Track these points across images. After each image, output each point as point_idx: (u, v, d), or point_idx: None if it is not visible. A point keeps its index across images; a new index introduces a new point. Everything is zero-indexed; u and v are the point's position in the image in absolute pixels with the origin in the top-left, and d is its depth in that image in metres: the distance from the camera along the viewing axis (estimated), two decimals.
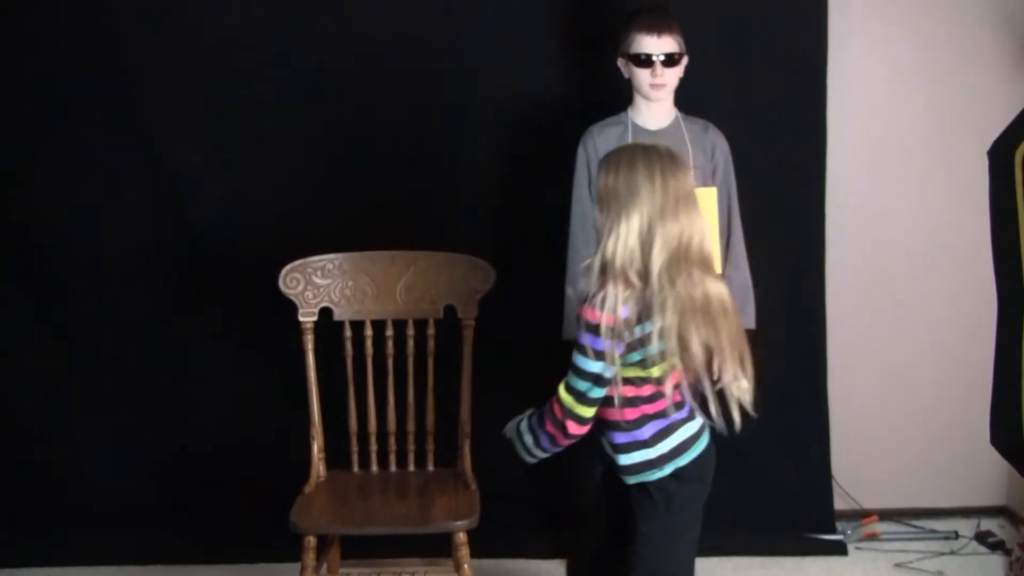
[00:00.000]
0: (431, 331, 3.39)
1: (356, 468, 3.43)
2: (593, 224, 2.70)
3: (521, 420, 2.81)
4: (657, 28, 3.29)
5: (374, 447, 3.43)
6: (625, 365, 2.58)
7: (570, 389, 2.64)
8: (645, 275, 2.52)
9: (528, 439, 2.76)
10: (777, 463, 3.97)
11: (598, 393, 2.62)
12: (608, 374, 2.58)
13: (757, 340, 3.22)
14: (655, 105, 3.37)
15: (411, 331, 3.40)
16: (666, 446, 2.70)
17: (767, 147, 3.77)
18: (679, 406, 2.69)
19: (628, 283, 2.53)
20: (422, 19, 3.75)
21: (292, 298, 3.37)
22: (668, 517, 2.71)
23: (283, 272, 3.35)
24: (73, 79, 3.77)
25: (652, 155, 2.56)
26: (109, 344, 3.92)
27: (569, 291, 3.33)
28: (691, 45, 3.38)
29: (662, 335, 2.52)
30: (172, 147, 3.82)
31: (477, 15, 3.73)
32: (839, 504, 4.04)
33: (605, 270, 2.55)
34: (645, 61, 3.30)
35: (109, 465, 3.97)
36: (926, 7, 3.89)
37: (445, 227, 3.74)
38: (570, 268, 3.38)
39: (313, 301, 3.38)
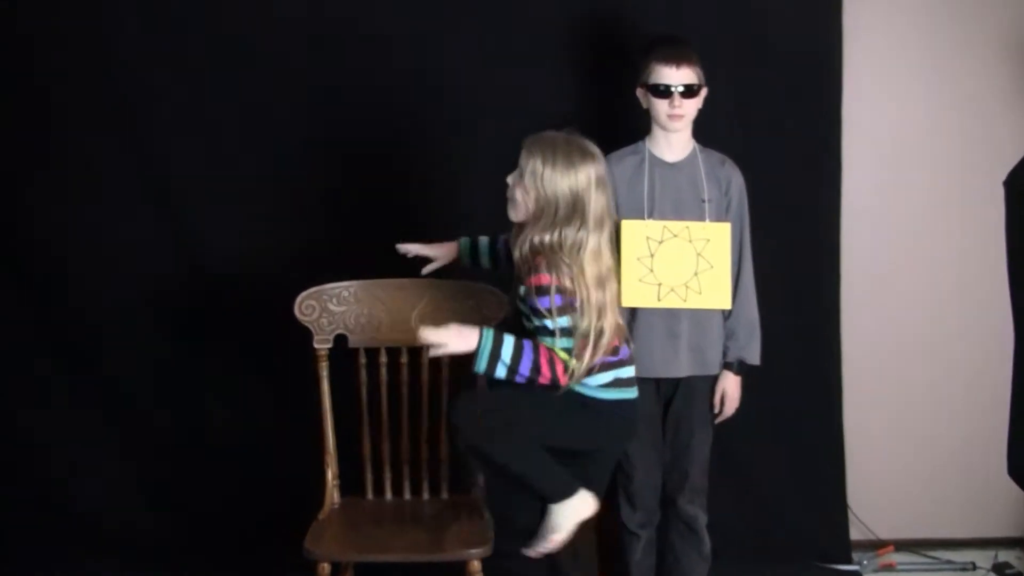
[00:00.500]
0: (445, 359, 3.37)
1: (370, 495, 3.43)
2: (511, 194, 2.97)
3: (505, 336, 2.93)
4: (676, 59, 3.30)
5: (388, 474, 3.43)
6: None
7: (563, 349, 2.94)
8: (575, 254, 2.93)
9: (508, 354, 2.91)
10: (792, 493, 3.96)
11: (571, 343, 2.95)
12: (571, 323, 2.92)
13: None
14: (673, 136, 3.38)
15: (425, 358, 3.40)
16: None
17: (782, 180, 3.79)
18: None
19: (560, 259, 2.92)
20: (437, 52, 3.77)
21: (307, 325, 3.37)
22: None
23: (299, 299, 3.36)
24: (76, 103, 3.81)
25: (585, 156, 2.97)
26: (122, 373, 3.93)
27: None
28: (707, 77, 3.39)
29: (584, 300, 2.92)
30: (181, 175, 3.84)
31: (492, 45, 3.76)
32: (855, 534, 4.04)
33: (543, 249, 2.93)
34: (664, 92, 3.31)
35: (122, 492, 3.97)
36: (941, 34, 3.91)
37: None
38: None
39: (328, 328, 3.38)
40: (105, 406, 3.94)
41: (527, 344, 2.95)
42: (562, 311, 2.92)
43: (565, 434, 3.06)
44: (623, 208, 3.35)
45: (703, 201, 3.35)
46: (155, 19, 3.77)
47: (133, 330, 3.91)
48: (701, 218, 3.34)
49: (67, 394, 3.93)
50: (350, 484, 3.42)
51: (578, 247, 2.95)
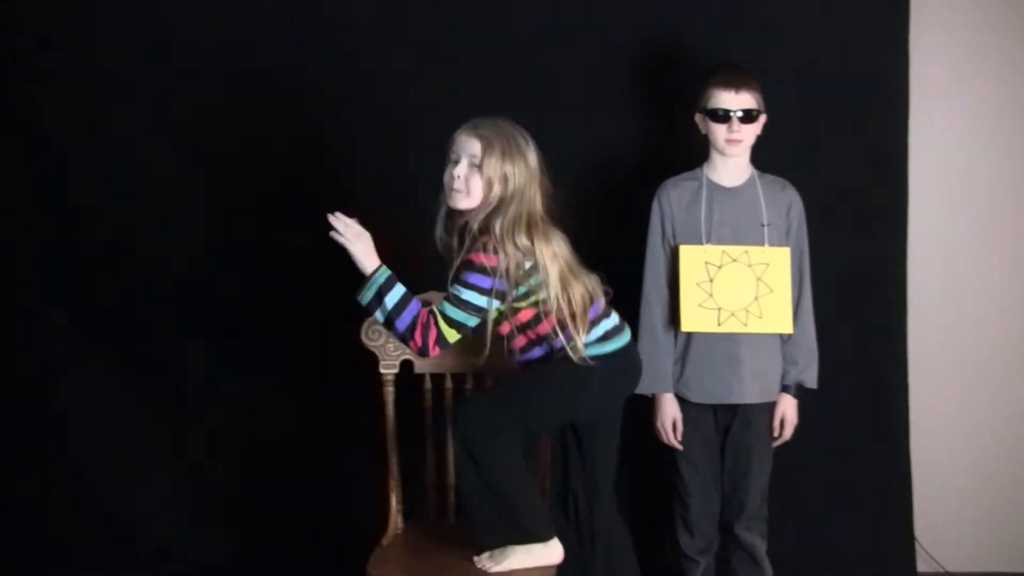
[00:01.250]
0: None
1: (432, 520, 3.44)
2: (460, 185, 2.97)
3: (398, 285, 2.97)
4: (735, 84, 3.33)
5: (451, 499, 3.45)
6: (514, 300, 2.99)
7: (447, 318, 2.98)
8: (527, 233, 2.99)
9: (392, 302, 2.96)
10: (856, 523, 3.91)
11: (473, 322, 3.00)
12: (488, 305, 2.97)
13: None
14: (731, 161, 3.40)
15: (490, 384, 3.42)
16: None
17: (847, 208, 3.79)
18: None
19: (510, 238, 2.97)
20: (493, 75, 3.78)
21: (373, 350, 3.41)
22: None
23: (364, 325, 3.40)
24: (143, 110, 3.90)
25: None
26: (186, 398, 3.99)
27: (644, 344, 3.39)
28: (771, 106, 3.42)
29: (543, 275, 2.98)
30: (245, 197, 3.91)
31: (548, 68, 3.79)
32: (922, 566, 3.98)
33: (488, 229, 2.98)
34: (722, 116, 3.34)
35: (178, 515, 4.02)
36: (1010, 72, 3.90)
37: None
38: (644, 321, 3.43)
39: (394, 354, 3.41)
40: (159, 421, 4.00)
41: (414, 303, 2.98)
42: (480, 291, 2.96)
43: (567, 409, 3.09)
44: (680, 234, 3.39)
45: (763, 225, 3.37)
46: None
47: (193, 356, 3.97)
48: (761, 242, 3.36)
49: (115, 408, 4.00)
50: (412, 509, 3.43)
51: (531, 226, 2.99)
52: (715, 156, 3.42)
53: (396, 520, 3.39)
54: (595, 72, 3.78)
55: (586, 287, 3.04)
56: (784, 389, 3.42)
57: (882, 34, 3.76)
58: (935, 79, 3.86)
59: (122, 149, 3.92)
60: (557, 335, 3.00)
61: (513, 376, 3.12)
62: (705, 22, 3.76)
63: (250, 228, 3.93)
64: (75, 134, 3.91)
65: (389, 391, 3.41)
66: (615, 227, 3.71)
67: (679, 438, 3.44)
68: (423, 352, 2.99)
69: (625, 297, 3.49)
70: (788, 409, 3.42)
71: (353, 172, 3.86)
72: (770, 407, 3.42)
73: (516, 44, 3.76)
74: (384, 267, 2.98)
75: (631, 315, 3.44)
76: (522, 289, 3.00)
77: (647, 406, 3.47)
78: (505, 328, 3.05)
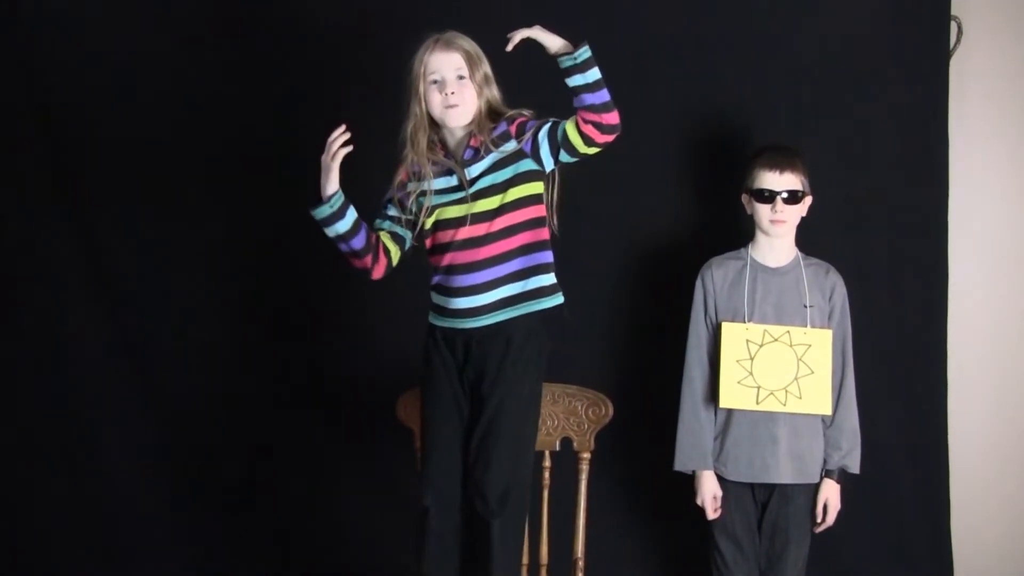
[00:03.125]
0: (547, 463, 3.39)
1: None
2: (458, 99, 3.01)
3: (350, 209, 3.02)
4: (780, 165, 3.37)
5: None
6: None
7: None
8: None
9: (344, 226, 3.01)
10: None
11: (379, 223, 3.11)
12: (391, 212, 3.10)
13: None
14: (776, 242, 3.43)
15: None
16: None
17: (887, 284, 3.78)
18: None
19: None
20: None
21: (410, 427, 3.41)
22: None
23: (400, 401, 3.39)
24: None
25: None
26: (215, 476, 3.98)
27: (685, 419, 3.40)
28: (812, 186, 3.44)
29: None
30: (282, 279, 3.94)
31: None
32: None
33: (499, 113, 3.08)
34: (767, 197, 3.38)
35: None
36: None
37: (562, 358, 3.75)
38: (685, 397, 3.43)
39: None
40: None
41: (363, 227, 3.04)
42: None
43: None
44: (723, 311, 3.41)
45: (805, 307, 3.38)
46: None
47: (231, 429, 3.96)
48: (803, 324, 3.36)
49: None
50: None
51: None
52: (760, 236, 3.45)
53: None
54: (642, 148, 3.78)
55: None
56: (827, 474, 3.41)
57: (922, 114, 3.77)
58: (974, 157, 3.86)
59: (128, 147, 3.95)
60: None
61: (499, 412, 3.06)
62: (756, 102, 3.78)
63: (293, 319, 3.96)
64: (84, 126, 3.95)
65: None
66: (659, 303, 3.72)
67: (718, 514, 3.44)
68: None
69: (668, 373, 3.53)
70: (831, 494, 3.40)
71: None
72: (809, 488, 3.40)
73: (560, 116, 3.78)
74: (340, 194, 3.00)
75: (673, 391, 3.47)
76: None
77: (686, 481, 3.46)
78: (529, 213, 3.07)
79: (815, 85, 3.76)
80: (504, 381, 3.06)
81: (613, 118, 2.97)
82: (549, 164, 3.07)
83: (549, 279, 3.10)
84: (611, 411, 3.40)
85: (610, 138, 3.00)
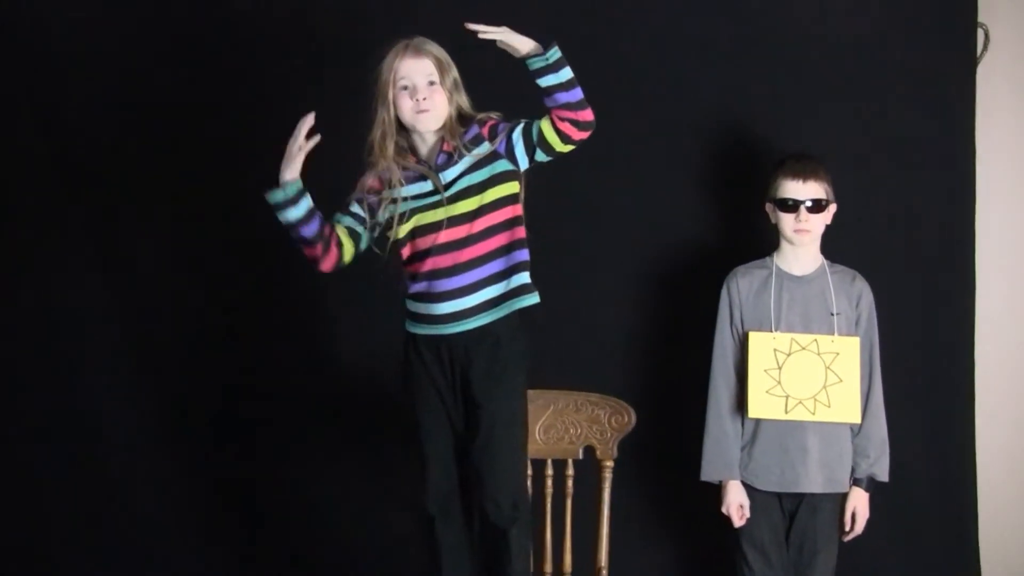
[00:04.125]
0: (569, 472, 3.38)
1: None
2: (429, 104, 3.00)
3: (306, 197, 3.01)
4: (803, 174, 3.37)
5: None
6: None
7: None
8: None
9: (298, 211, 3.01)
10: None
11: (339, 216, 3.08)
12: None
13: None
14: (800, 250, 3.42)
15: (550, 471, 3.40)
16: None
17: (914, 291, 3.77)
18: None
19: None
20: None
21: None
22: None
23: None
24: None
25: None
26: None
27: (711, 429, 3.39)
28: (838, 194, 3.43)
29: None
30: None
31: (618, 152, 3.77)
32: None
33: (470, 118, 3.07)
34: (791, 206, 3.37)
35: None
36: None
37: (585, 366, 3.75)
38: (711, 407, 3.42)
39: None
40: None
41: (317, 218, 3.02)
42: None
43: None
44: (749, 321, 3.40)
45: (832, 314, 3.37)
46: None
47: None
48: (830, 332, 3.36)
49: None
50: None
51: None
52: (784, 245, 3.44)
53: None
54: (666, 159, 3.79)
55: None
56: (855, 483, 3.40)
57: (949, 122, 3.76)
58: (1001, 166, 3.86)
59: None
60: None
61: (492, 420, 3.03)
62: (781, 112, 3.77)
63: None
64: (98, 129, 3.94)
65: None
66: (685, 313, 3.71)
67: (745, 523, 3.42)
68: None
69: (692, 382, 3.51)
70: (859, 503, 3.39)
71: None
72: (836, 497, 3.40)
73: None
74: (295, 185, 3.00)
75: (699, 401, 3.45)
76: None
77: (711, 490, 3.44)
78: (507, 213, 3.04)
79: (841, 94, 3.75)
80: (496, 385, 3.04)
81: (588, 115, 2.96)
82: (524, 163, 3.05)
83: (527, 277, 3.07)
84: (634, 419, 3.40)
85: (586, 135, 2.99)
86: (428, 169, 3.04)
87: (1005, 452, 3.90)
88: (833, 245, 3.47)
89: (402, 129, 3.06)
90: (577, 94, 2.95)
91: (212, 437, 3.92)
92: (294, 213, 2.99)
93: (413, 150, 3.08)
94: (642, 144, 3.79)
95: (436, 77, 3.01)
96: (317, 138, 2.97)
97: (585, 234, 3.81)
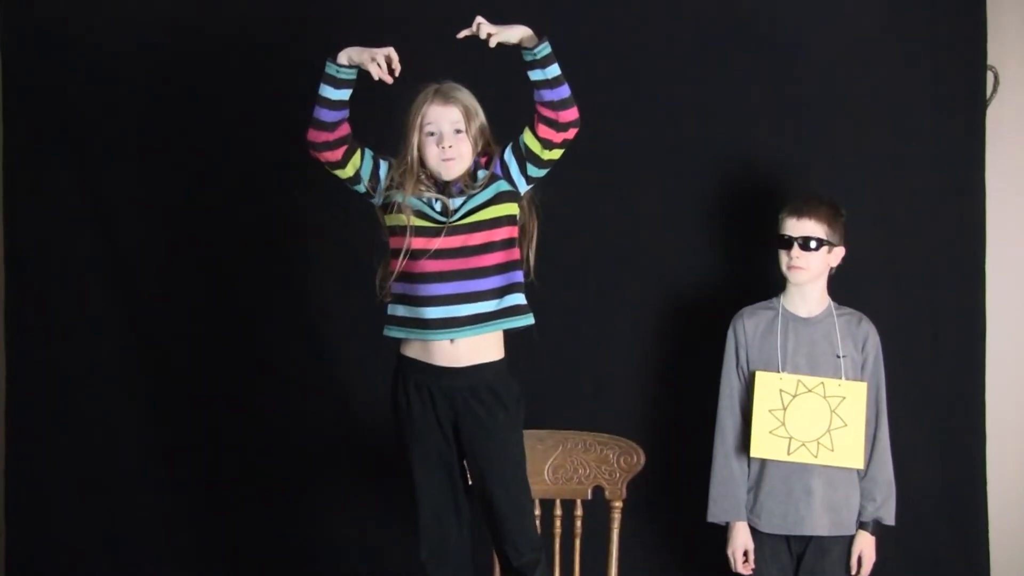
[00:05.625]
0: (578, 512, 3.40)
1: None
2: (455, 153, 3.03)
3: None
4: (800, 211, 3.36)
5: None
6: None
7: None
8: None
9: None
10: None
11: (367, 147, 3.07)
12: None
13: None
14: (806, 291, 3.41)
15: (558, 511, 3.41)
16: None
17: (924, 333, 3.76)
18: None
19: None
20: (572, 195, 3.72)
21: None
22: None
23: None
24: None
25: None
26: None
27: (717, 470, 3.40)
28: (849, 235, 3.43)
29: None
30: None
31: (627, 191, 3.82)
32: None
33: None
34: (785, 242, 3.37)
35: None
36: None
37: (595, 406, 3.77)
38: (717, 448, 3.43)
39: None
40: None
41: (344, 115, 3.01)
42: None
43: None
44: (755, 361, 3.40)
45: (838, 357, 3.36)
46: None
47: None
48: (836, 374, 3.35)
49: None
50: None
51: None
52: (790, 286, 3.43)
53: None
54: (676, 196, 3.81)
55: None
56: (862, 526, 3.38)
57: (959, 163, 3.75)
58: (1012, 207, 3.83)
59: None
60: (523, 266, 3.08)
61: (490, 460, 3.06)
62: (791, 151, 3.77)
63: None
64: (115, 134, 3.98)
65: None
66: (693, 353, 3.71)
67: (751, 568, 3.40)
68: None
69: (699, 423, 3.51)
70: (866, 546, 3.37)
71: None
72: (845, 540, 3.38)
73: (593, 164, 3.75)
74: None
75: (706, 440, 3.45)
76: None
77: (720, 531, 3.44)
78: (504, 233, 3.05)
79: (851, 135, 3.75)
80: (490, 437, 3.05)
81: (570, 114, 2.97)
82: (522, 184, 3.06)
83: (522, 299, 3.07)
84: (643, 459, 3.41)
85: (568, 135, 2.98)
86: (444, 197, 3.06)
87: (1018, 497, 3.86)
88: (842, 284, 3.47)
89: (423, 165, 3.08)
90: (561, 92, 2.96)
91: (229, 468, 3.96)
92: (332, 92, 2.97)
93: (433, 179, 3.09)
94: (651, 182, 3.81)
95: (463, 125, 3.04)
96: (390, 80, 2.99)
97: (594, 276, 3.84)
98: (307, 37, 3.77)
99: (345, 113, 3.01)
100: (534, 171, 3.05)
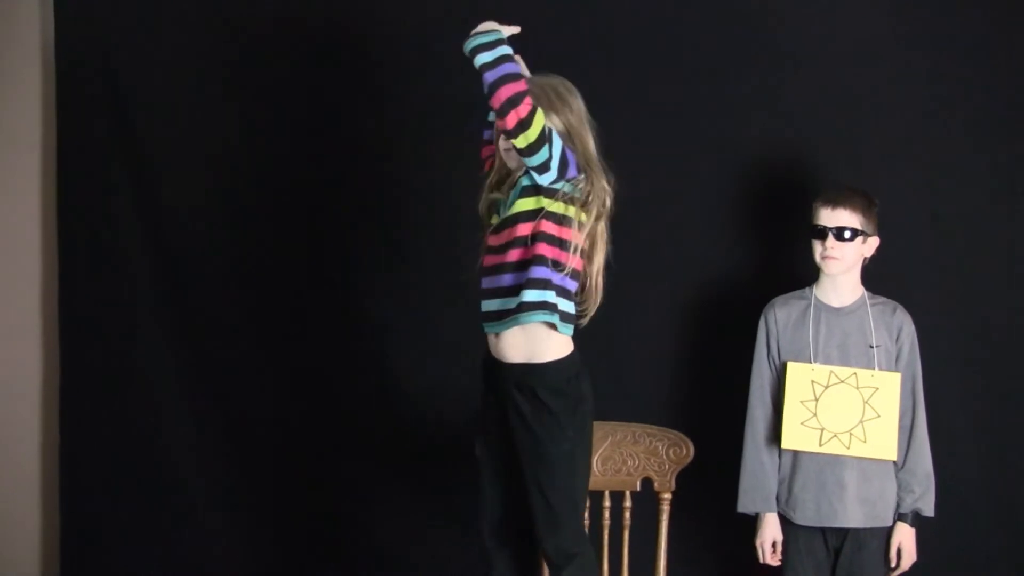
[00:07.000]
0: (627, 504, 3.42)
1: None
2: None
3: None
4: (834, 201, 3.32)
5: None
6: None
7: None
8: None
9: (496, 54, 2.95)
10: None
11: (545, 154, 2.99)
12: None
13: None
14: (839, 281, 3.37)
15: (607, 503, 3.44)
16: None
17: (966, 321, 3.68)
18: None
19: None
20: None
21: None
22: None
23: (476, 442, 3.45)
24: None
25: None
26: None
27: (747, 461, 3.40)
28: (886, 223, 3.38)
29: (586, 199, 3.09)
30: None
31: (659, 181, 3.80)
32: None
33: None
34: (819, 232, 3.34)
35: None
36: None
37: (640, 398, 3.78)
38: (748, 438, 3.41)
39: None
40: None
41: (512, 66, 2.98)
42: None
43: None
44: (787, 352, 3.37)
45: (871, 347, 3.32)
46: None
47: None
48: (869, 364, 3.30)
49: None
50: None
51: (586, 163, 3.08)
52: (823, 276, 3.39)
53: None
54: (710, 187, 3.80)
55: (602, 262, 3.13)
56: (900, 518, 3.33)
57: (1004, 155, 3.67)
58: None
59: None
60: (561, 268, 3.02)
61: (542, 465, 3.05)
62: (826, 144, 3.73)
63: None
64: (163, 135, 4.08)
65: None
66: (723, 344, 3.70)
67: (778, 559, 3.39)
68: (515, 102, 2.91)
69: (731, 414, 3.50)
70: (905, 539, 3.32)
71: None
72: (883, 532, 3.34)
73: (629, 160, 3.66)
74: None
75: (736, 432, 3.44)
76: (566, 187, 3.03)
77: (751, 523, 3.44)
78: (526, 229, 3.02)
79: (886, 124, 3.70)
80: (539, 431, 3.04)
81: (495, 101, 2.91)
82: (536, 176, 3.02)
83: (538, 296, 3.01)
84: (692, 451, 3.41)
85: (507, 122, 2.90)
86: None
87: None
88: (881, 272, 3.43)
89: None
90: (486, 81, 2.93)
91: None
92: (482, 57, 2.95)
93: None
94: (685, 175, 3.81)
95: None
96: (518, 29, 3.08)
97: (626, 269, 3.83)
98: (365, 39, 3.89)
99: (514, 67, 3.00)
100: (526, 160, 3.01)
